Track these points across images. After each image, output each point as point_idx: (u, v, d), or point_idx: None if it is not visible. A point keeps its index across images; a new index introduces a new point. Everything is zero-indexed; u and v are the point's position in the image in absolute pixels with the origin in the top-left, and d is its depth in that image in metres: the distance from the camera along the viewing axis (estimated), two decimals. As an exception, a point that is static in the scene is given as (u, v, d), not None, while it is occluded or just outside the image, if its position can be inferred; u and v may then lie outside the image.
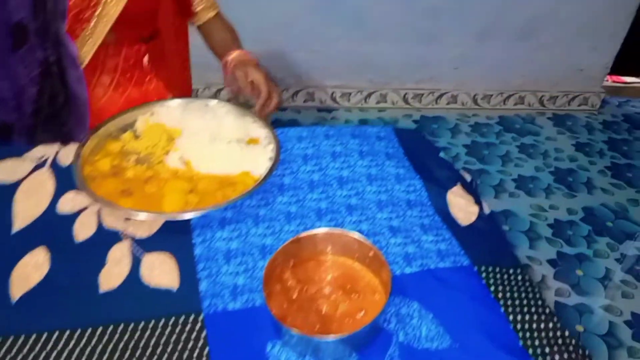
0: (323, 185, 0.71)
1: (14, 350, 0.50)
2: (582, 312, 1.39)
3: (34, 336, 0.52)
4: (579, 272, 1.50)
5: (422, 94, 2.15)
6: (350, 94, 2.12)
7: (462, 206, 0.71)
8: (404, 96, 2.15)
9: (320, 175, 0.72)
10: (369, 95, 2.13)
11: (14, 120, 0.81)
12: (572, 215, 1.70)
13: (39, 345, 0.51)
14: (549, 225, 1.66)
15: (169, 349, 0.52)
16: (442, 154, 0.81)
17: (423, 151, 0.80)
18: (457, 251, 0.63)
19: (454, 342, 0.54)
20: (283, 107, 2.10)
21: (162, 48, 0.95)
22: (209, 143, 0.70)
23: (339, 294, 0.57)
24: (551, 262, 1.52)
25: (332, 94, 2.11)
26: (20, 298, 0.55)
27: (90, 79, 0.89)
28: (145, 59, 0.94)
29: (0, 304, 0.54)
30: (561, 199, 1.77)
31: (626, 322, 1.36)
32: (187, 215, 0.62)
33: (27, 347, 0.51)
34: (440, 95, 2.16)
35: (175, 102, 0.78)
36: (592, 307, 1.40)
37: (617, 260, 1.55)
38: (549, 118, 2.20)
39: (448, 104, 2.18)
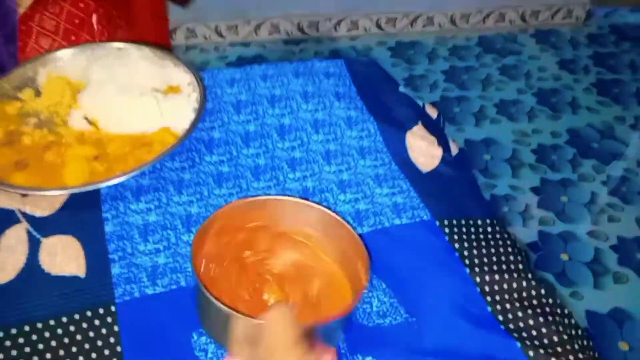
0: (260, 137, 0.61)
1: None
2: (567, 240, 1.34)
3: None
4: (564, 199, 1.44)
5: (396, 18, 1.99)
6: (318, 22, 1.95)
7: (423, 149, 0.61)
8: (377, 21, 1.98)
9: (256, 126, 0.62)
10: (339, 22, 1.96)
11: None
12: (556, 138, 1.62)
13: None
14: (533, 151, 1.57)
15: (73, 350, 0.44)
16: (401, 88, 0.70)
17: (380, 87, 0.69)
18: (415, 204, 0.54)
19: (409, 316, 0.46)
20: (246, 43, 1.94)
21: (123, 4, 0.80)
22: (117, 96, 0.59)
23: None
24: (535, 190, 1.45)
25: (299, 24, 1.94)
26: None
27: (26, 41, 0.75)
28: (94, 18, 0.79)
29: None
30: (545, 121, 1.68)
31: (612, 247, 1.32)
32: (94, 186, 0.52)
33: None
34: (416, 18, 2.00)
35: (80, 48, 0.66)
36: (577, 233, 1.35)
37: (603, 183, 1.49)
38: (531, 35, 2.06)
39: (424, 26, 2.03)
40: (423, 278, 0.49)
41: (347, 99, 0.65)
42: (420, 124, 0.64)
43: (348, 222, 0.52)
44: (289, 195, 0.49)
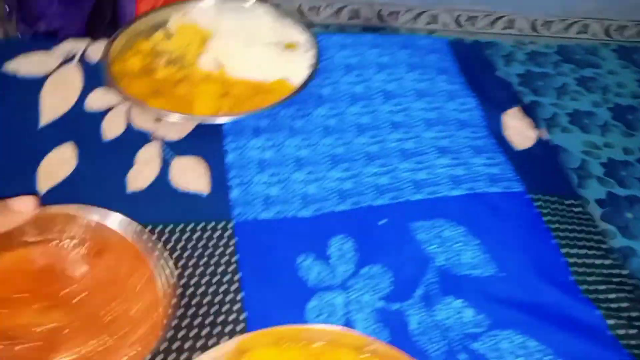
0: (366, 98, 0.65)
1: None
2: (628, 255, 1.32)
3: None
4: (629, 215, 1.42)
5: (477, 17, 1.99)
6: (398, 12, 1.98)
7: (519, 129, 0.64)
8: (457, 18, 1.99)
9: (363, 88, 0.66)
10: (419, 15, 1.98)
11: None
12: (628, 155, 1.58)
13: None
14: (602, 164, 1.55)
15: (197, 254, 0.50)
16: (499, 73, 0.73)
17: (479, 68, 0.72)
18: (510, 176, 0.58)
19: (499, 271, 0.50)
20: (326, 24, 1.99)
21: None
22: (243, 46, 0.65)
23: None
24: (600, 202, 1.44)
25: (379, 11, 1.98)
26: (48, 192, 0.53)
27: None
28: None
29: (27, 197, 0.52)
30: (618, 137, 1.64)
31: (674, 270, 1.30)
32: (220, 120, 0.59)
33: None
34: (497, 19, 2.00)
35: (210, 2, 0.72)
36: (638, 251, 1.33)
37: (672, 205, 1.46)
38: (613, 50, 2.00)
39: (504, 28, 2.02)
40: (513, 242, 0.52)
41: (449, 73, 0.69)
42: (516, 106, 0.67)
43: (444, 183, 0.56)
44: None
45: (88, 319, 0.37)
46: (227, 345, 0.43)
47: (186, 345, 0.44)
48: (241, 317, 0.46)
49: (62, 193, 0.53)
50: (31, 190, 0.53)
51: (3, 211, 0.34)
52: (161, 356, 0.43)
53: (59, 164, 0.55)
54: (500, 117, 0.65)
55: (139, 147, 0.58)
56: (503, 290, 0.48)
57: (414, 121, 0.63)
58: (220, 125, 0.60)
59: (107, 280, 0.39)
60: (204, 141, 0.59)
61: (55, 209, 0.41)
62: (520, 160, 0.60)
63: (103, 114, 0.60)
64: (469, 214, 0.54)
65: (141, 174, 0.55)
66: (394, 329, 0.46)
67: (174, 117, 0.58)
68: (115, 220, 0.40)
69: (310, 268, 0.50)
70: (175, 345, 0.44)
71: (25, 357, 0.34)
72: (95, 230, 0.40)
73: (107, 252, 0.40)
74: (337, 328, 0.45)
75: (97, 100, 0.61)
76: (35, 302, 0.37)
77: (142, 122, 0.60)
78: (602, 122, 1.84)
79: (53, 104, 0.60)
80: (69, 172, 0.55)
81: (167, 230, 0.51)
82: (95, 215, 0.39)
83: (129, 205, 0.53)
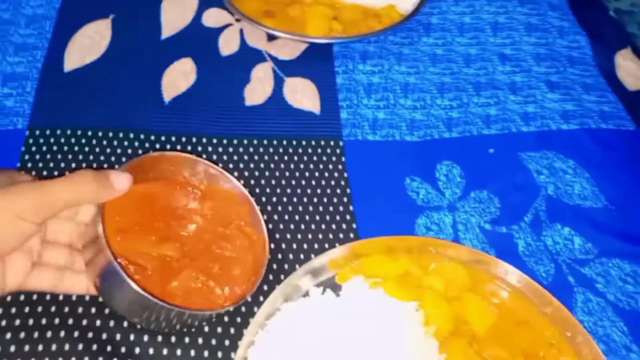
0: (474, 29, 0.65)
1: (167, 148, 0.53)
2: None
3: (184, 138, 0.54)
4: None
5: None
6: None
7: (631, 70, 0.62)
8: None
9: (472, 18, 0.65)
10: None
11: None
12: None
13: (190, 146, 0.53)
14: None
15: (310, 167, 0.53)
16: (611, 13, 0.70)
17: (591, 6, 0.70)
18: (622, 115, 0.57)
19: (609, 204, 0.50)
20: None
21: None
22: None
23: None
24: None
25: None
26: (173, 100, 0.56)
27: None
28: None
29: (155, 104, 0.56)
30: None
31: None
32: (331, 41, 0.60)
33: (179, 147, 0.53)
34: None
35: None
36: None
37: None
38: None
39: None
40: (624, 178, 0.52)
41: (560, 10, 0.67)
42: (629, 47, 0.65)
43: (554, 117, 0.56)
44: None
45: (198, 254, 0.40)
46: (342, 249, 0.46)
47: (305, 245, 0.48)
48: (352, 227, 0.49)
49: (185, 102, 0.56)
50: (158, 97, 0.56)
51: (105, 183, 0.36)
52: (281, 255, 0.47)
53: (180, 75, 0.58)
54: (613, 57, 0.63)
55: (254, 64, 0.60)
56: (612, 223, 0.49)
57: (523, 55, 0.62)
58: (330, 48, 0.61)
59: (216, 221, 0.42)
60: (315, 62, 0.60)
61: (176, 154, 0.43)
62: (633, 100, 0.59)
63: (219, 30, 0.62)
64: (579, 148, 0.54)
65: (257, 90, 0.58)
66: (501, 249, 0.48)
67: (286, 36, 0.59)
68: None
69: (418, 189, 0.52)
70: (295, 245, 0.48)
71: (148, 280, 0.37)
72: (210, 177, 0.43)
73: (218, 197, 0.44)
74: (447, 241, 0.47)
75: (212, 17, 0.63)
76: (152, 233, 0.40)
77: (256, 40, 0.62)
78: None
79: (172, 18, 0.63)
80: (191, 84, 0.58)
81: (283, 143, 0.54)
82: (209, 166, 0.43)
83: (248, 117, 0.56)
